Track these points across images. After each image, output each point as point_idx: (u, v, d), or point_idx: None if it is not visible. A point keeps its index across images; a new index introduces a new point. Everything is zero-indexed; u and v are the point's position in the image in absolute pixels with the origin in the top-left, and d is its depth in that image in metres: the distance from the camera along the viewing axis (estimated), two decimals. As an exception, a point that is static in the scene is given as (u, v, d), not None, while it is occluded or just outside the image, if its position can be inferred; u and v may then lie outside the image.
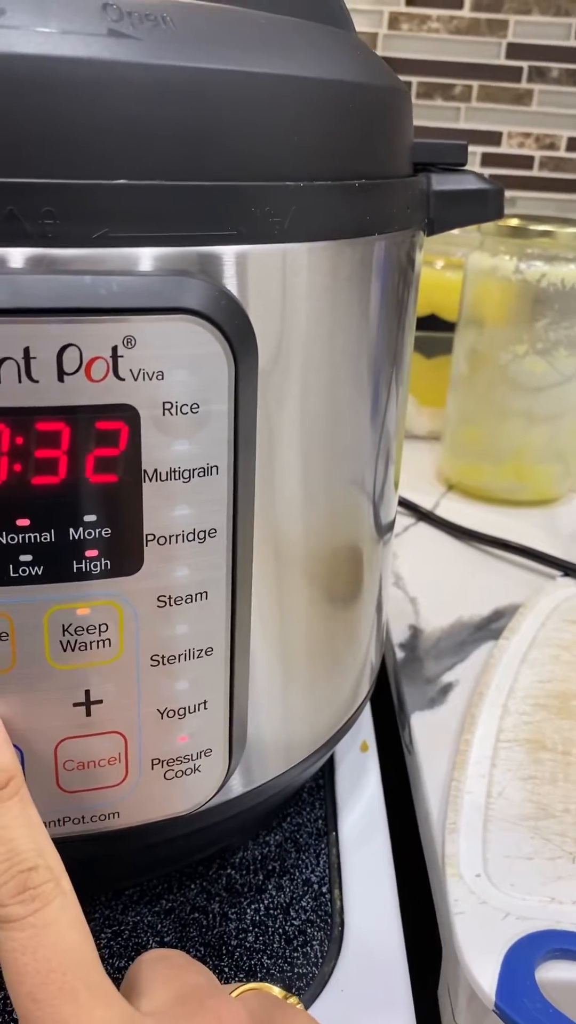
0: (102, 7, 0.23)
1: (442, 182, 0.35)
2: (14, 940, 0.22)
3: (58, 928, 0.22)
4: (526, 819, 0.39)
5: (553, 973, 0.32)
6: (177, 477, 0.25)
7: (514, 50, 1.02)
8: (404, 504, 0.71)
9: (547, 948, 0.33)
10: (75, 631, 0.25)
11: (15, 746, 0.26)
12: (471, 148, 1.07)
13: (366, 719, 0.48)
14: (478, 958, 0.32)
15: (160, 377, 0.23)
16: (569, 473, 0.75)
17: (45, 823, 0.25)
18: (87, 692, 0.26)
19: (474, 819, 0.39)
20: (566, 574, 0.62)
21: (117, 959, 0.34)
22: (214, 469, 0.25)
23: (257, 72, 0.25)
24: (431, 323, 0.82)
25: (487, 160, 1.08)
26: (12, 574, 0.24)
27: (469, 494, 0.75)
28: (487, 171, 1.07)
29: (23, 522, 0.24)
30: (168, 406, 0.24)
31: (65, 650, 0.26)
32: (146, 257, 0.23)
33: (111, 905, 0.36)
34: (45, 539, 0.24)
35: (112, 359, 0.23)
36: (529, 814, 0.40)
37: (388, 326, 0.32)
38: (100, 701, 0.26)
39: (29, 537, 0.24)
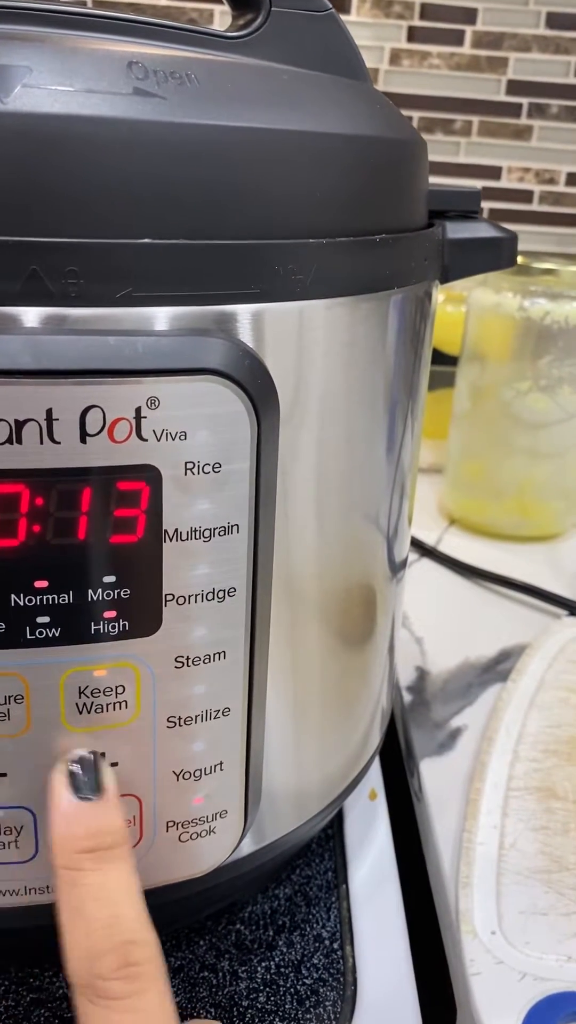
0: (127, 65, 0.23)
1: (457, 230, 0.35)
2: (110, 1021, 0.21)
3: (154, 1019, 0.21)
4: (539, 872, 0.39)
5: (572, 1037, 0.31)
6: (198, 536, 0.24)
7: (514, 86, 1.03)
8: (408, 540, 0.71)
9: (565, 1011, 0.32)
10: (91, 693, 0.25)
11: (27, 808, 0.26)
12: (471, 182, 1.08)
13: (374, 766, 0.47)
14: (496, 1022, 0.32)
15: (183, 437, 0.23)
16: (573, 509, 0.75)
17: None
18: (102, 755, 0.26)
19: (487, 872, 0.38)
20: (572, 613, 0.62)
21: (125, 1021, 0.33)
22: (235, 528, 0.25)
23: (280, 129, 0.25)
24: (433, 357, 0.82)
25: (487, 194, 1.08)
26: (29, 636, 0.24)
27: (472, 529, 0.75)
28: (487, 205, 1.08)
29: (41, 584, 0.23)
30: (190, 466, 0.24)
31: (81, 712, 0.25)
32: (168, 316, 0.23)
33: (118, 963, 0.35)
34: (63, 601, 0.24)
35: (135, 420, 0.22)
36: (542, 867, 0.39)
37: (404, 371, 0.32)
38: (115, 764, 0.26)
39: (47, 599, 0.23)
